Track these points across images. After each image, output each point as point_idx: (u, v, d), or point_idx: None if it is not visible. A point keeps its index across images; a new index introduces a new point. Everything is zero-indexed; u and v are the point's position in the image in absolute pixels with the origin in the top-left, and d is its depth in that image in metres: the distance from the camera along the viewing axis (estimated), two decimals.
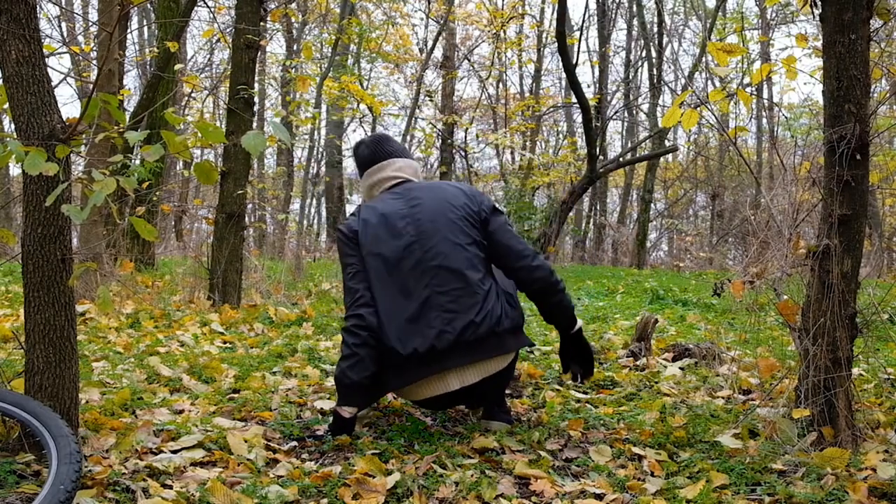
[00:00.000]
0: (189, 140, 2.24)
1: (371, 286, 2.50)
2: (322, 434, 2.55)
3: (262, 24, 5.52)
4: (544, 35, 15.56)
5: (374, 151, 2.74)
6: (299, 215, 15.66)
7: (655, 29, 14.40)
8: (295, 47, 14.84)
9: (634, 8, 15.24)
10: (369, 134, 2.99)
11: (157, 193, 7.97)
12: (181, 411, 2.75)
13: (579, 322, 2.73)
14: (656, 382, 3.40)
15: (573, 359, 2.77)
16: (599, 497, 2.14)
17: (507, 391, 3.03)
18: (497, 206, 2.66)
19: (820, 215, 2.47)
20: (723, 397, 3.16)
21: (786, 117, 15.91)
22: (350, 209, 17.54)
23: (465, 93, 18.43)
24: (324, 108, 14.86)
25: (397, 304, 2.45)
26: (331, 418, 2.62)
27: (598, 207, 16.95)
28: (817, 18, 2.46)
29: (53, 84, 2.09)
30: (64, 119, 2.08)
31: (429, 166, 15.14)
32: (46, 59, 2.09)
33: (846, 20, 2.34)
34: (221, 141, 2.04)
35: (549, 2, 15.55)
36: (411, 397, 2.58)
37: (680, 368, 3.66)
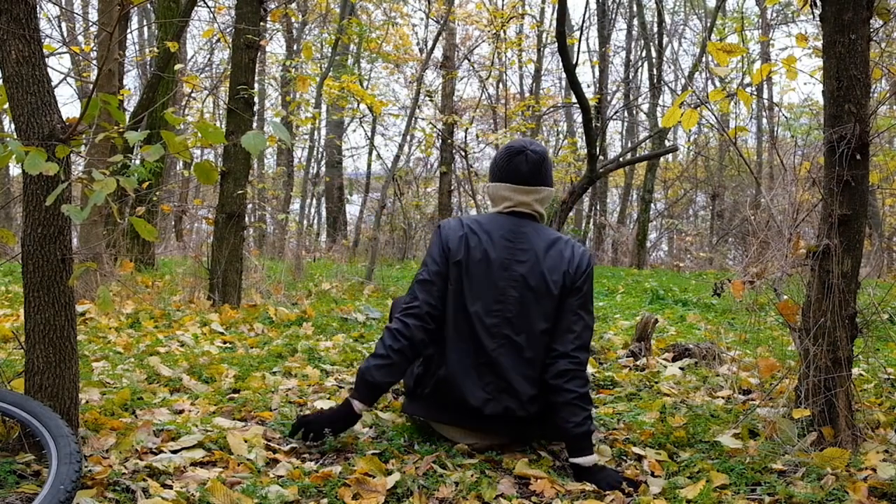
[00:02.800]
0: (189, 140, 2.24)
1: (440, 305, 2.46)
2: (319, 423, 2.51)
3: (262, 24, 5.51)
4: (544, 35, 15.54)
5: (534, 173, 2.51)
6: (299, 215, 15.61)
7: (655, 29, 14.40)
8: (295, 47, 14.82)
9: (634, 8, 15.23)
10: (530, 142, 2.57)
11: (157, 193, 7.97)
12: (181, 411, 2.75)
13: (590, 457, 2.32)
14: (656, 382, 3.40)
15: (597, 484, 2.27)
16: (600, 497, 2.14)
17: None
18: (587, 284, 2.48)
19: (820, 215, 2.47)
20: (723, 397, 3.16)
21: (786, 117, 15.90)
22: (350, 209, 17.52)
23: (465, 93, 18.41)
24: (324, 108, 14.84)
25: (465, 348, 2.44)
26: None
27: (598, 207, 16.93)
28: (817, 18, 2.46)
29: (53, 84, 2.09)
30: (64, 119, 2.08)
31: (429, 166, 15.12)
32: (46, 59, 2.09)
33: (846, 20, 2.34)
34: (221, 141, 2.04)
35: (549, 2, 15.55)
36: (432, 422, 2.59)
37: (680, 368, 3.66)
